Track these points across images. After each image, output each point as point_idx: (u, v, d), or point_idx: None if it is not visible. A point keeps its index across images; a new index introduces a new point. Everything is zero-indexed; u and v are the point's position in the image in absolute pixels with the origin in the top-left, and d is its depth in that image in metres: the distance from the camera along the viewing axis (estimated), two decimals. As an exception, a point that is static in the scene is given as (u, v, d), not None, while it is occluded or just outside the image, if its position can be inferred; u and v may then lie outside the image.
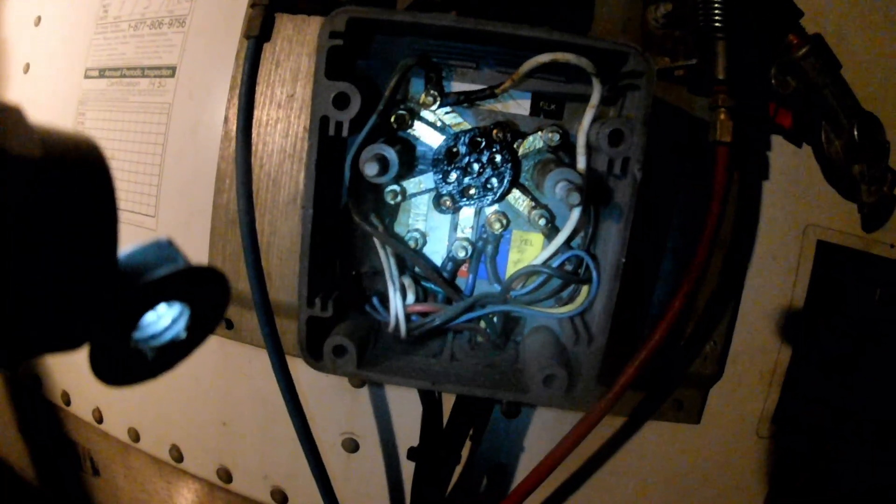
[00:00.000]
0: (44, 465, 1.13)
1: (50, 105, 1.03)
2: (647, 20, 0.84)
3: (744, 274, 0.85)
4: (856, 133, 0.81)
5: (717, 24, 0.76)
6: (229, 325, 0.88)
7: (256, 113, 0.84)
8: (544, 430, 0.85)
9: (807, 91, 0.81)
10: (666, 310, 0.75)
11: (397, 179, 0.73)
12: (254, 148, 0.84)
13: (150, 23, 0.94)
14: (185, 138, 0.90)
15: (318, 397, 0.86)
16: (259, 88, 0.84)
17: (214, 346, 0.90)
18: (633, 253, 0.67)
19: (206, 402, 0.92)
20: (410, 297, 0.71)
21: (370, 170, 0.65)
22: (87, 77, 0.99)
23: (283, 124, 0.84)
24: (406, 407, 0.85)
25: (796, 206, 0.86)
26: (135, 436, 0.98)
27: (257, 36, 0.78)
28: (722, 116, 0.77)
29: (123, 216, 0.91)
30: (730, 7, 0.76)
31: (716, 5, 0.76)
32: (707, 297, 0.84)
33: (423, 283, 0.74)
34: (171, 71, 0.92)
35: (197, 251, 0.88)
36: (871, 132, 0.82)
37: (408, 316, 0.71)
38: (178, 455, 0.96)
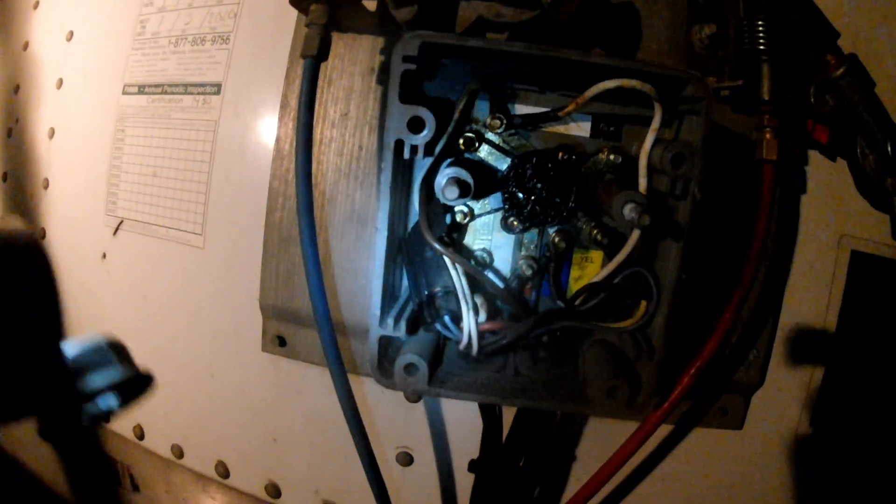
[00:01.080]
0: (79, 481, 1.13)
1: (86, 121, 1.03)
2: (692, 40, 0.87)
3: (784, 284, 0.89)
4: (889, 148, 0.85)
5: (761, 47, 0.80)
6: (282, 343, 0.90)
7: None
8: (596, 438, 0.88)
9: (843, 108, 0.85)
10: (718, 322, 0.78)
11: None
12: (308, 167, 0.86)
13: (192, 39, 0.95)
14: (233, 156, 0.91)
15: (373, 412, 0.88)
16: (311, 108, 0.86)
17: (266, 364, 0.91)
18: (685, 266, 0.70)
19: (256, 419, 0.94)
20: (482, 316, 0.74)
21: (451, 193, 0.67)
22: (125, 93, 0.99)
23: (338, 143, 0.85)
24: (461, 421, 0.87)
25: (832, 218, 0.90)
26: (178, 452, 0.99)
27: (315, 56, 0.80)
28: (768, 136, 0.81)
29: (169, 233, 0.92)
30: (773, 29, 0.80)
31: (760, 28, 0.80)
32: (750, 307, 0.88)
33: (494, 301, 0.77)
34: (217, 88, 0.93)
35: (246, 269, 0.89)
36: (903, 148, 0.86)
37: (481, 334, 0.73)
38: (224, 471, 0.97)
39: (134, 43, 0.99)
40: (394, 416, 0.89)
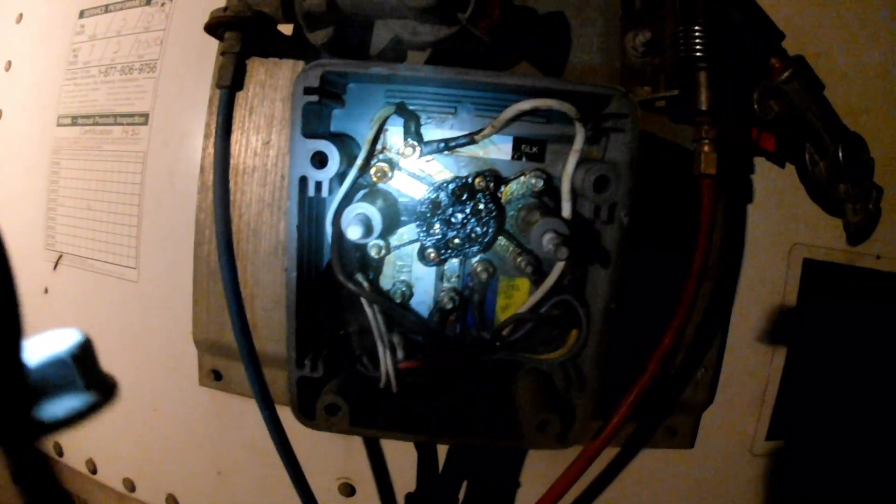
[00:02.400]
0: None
1: (24, 154, 0.98)
2: (626, 48, 0.80)
3: (731, 299, 0.82)
4: (840, 154, 0.78)
5: (698, 54, 0.73)
6: (218, 377, 0.85)
7: (233, 161, 0.80)
8: (540, 463, 0.83)
9: (790, 114, 0.78)
10: (657, 346, 0.72)
11: (382, 233, 0.69)
12: (232, 198, 0.80)
13: (121, 68, 0.90)
14: (163, 188, 0.86)
15: (312, 442, 0.83)
16: (234, 136, 0.80)
17: (205, 398, 0.86)
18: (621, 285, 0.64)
19: (200, 452, 0.89)
20: (400, 354, 0.68)
21: (354, 234, 0.61)
22: (59, 125, 0.94)
23: (260, 173, 0.80)
24: (400, 449, 0.82)
25: (781, 227, 0.84)
26: (130, 486, 0.94)
27: (229, 86, 0.74)
28: (706, 148, 0.74)
29: (106, 267, 0.87)
30: (711, 35, 0.73)
31: (696, 34, 0.73)
32: (696, 325, 0.81)
33: (412, 335, 0.71)
34: (144, 118, 0.87)
35: (180, 303, 0.84)
36: (855, 152, 0.79)
37: (399, 371, 0.68)
38: None
39: (66, 73, 0.94)
40: (333, 446, 0.84)
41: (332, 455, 0.84)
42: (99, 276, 0.90)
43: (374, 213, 0.63)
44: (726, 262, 0.81)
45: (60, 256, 0.93)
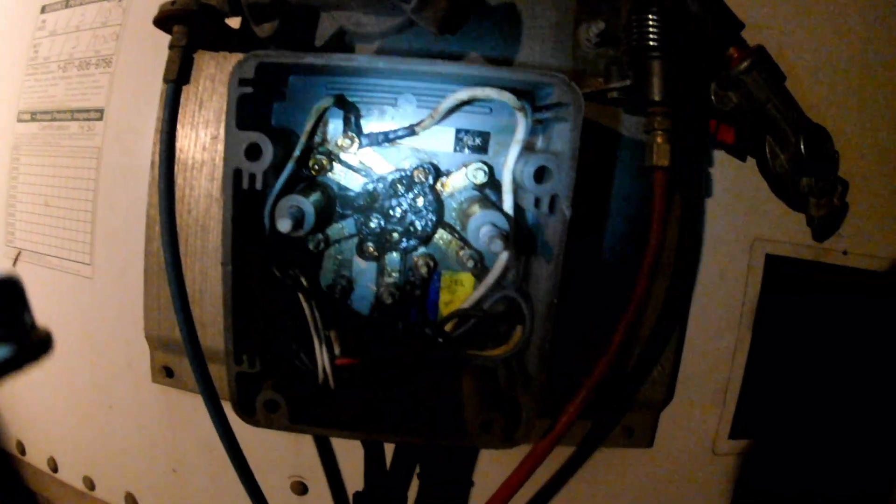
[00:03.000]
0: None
1: (-15, 151, 0.96)
2: (579, 40, 0.77)
3: (689, 295, 0.79)
4: (802, 147, 0.74)
5: (651, 43, 0.70)
6: (170, 374, 0.82)
7: (182, 156, 0.78)
8: (494, 462, 0.80)
9: (749, 106, 0.75)
10: (609, 344, 0.69)
11: (320, 227, 0.67)
12: (181, 193, 0.78)
13: (79, 63, 0.88)
14: (116, 184, 0.84)
15: (263, 440, 0.81)
16: (183, 131, 0.78)
17: (158, 395, 0.84)
18: (571, 277, 0.61)
19: (155, 450, 0.87)
20: (337, 349, 0.65)
21: (283, 226, 0.59)
22: (19, 121, 0.92)
23: (209, 167, 0.77)
24: (351, 446, 0.79)
25: (742, 222, 0.80)
26: (90, 484, 0.92)
27: (175, 80, 0.72)
28: (659, 140, 0.71)
29: (62, 264, 0.85)
30: (666, 24, 0.69)
31: (650, 23, 0.69)
32: (652, 322, 0.78)
33: (354, 332, 0.68)
34: (99, 114, 0.85)
35: (133, 299, 0.81)
36: (818, 145, 0.75)
37: (336, 367, 0.65)
38: (133, 503, 0.90)
39: (27, 68, 0.92)
40: (284, 444, 0.81)
41: (283, 453, 0.81)
42: (56, 272, 0.88)
43: (305, 204, 0.60)
44: (684, 258, 0.78)
45: (19, 253, 0.91)
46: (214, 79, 0.78)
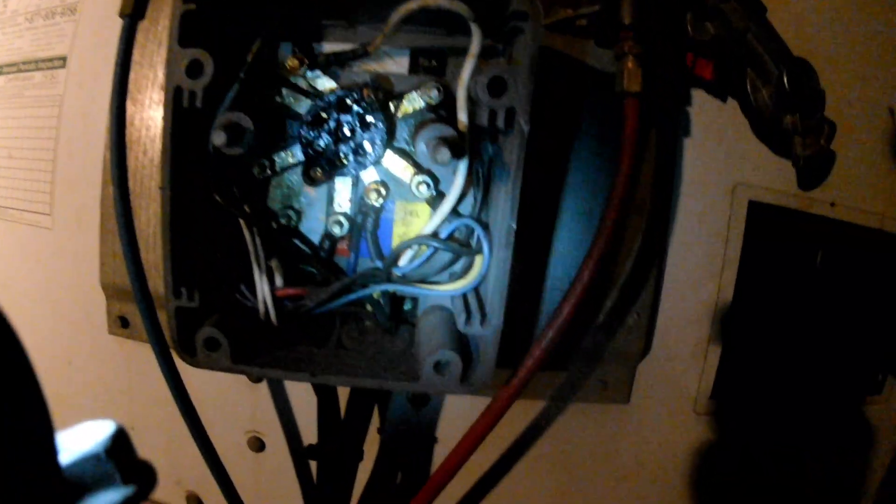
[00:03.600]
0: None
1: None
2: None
3: (666, 240, 0.71)
4: (785, 80, 0.66)
5: (621, -34, 0.62)
6: (125, 324, 0.75)
7: (139, 96, 0.71)
8: (458, 417, 0.71)
9: (728, 37, 0.67)
10: (574, 282, 0.61)
11: (266, 153, 0.59)
12: (137, 134, 0.71)
13: (45, 13, 0.82)
14: (76, 131, 0.77)
15: (218, 394, 0.73)
16: (142, 71, 0.72)
17: (115, 347, 0.77)
18: (537, 221, 0.54)
19: (112, 406, 0.79)
20: (279, 281, 0.57)
21: (218, 139, 0.52)
22: (-14, 75, 0.86)
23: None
24: (308, 400, 0.71)
25: (723, 165, 0.72)
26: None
27: (130, 14, 0.66)
28: (630, 65, 0.64)
29: (22, 216, 0.78)
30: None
31: (619, -55, 0.62)
32: (627, 268, 0.69)
33: (301, 265, 0.60)
34: (63, 61, 0.79)
35: (90, 248, 0.74)
36: (802, 79, 0.67)
37: (279, 301, 0.57)
38: (93, 462, 0.82)
39: (-5, 23, 0.86)
40: (241, 398, 0.74)
41: (239, 407, 0.74)
42: (15, 225, 0.81)
43: (243, 119, 0.53)
44: (659, 199, 0.70)
45: (-19, 208, 0.84)
46: (173, 17, 0.71)
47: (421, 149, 0.53)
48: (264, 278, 0.56)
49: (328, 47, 0.60)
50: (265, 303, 0.56)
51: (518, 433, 0.72)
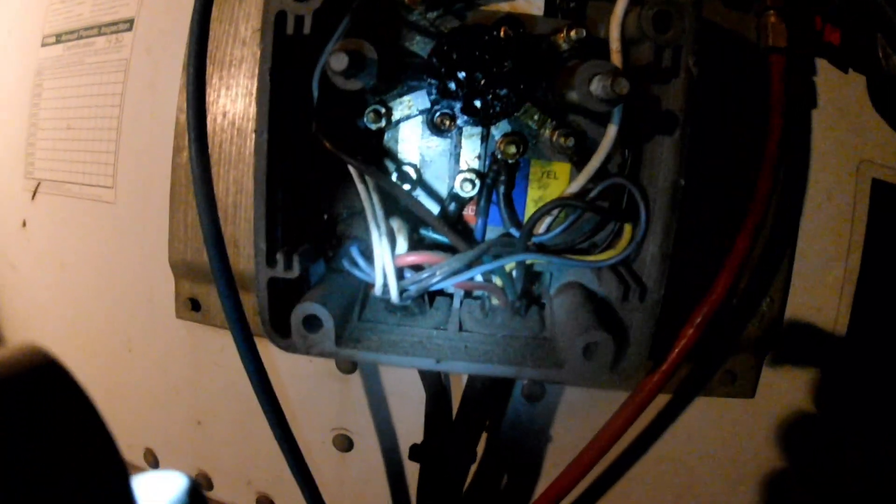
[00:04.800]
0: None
1: (8, 80, 0.74)
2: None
3: (798, 216, 0.56)
4: (919, 44, 0.53)
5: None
6: (196, 307, 0.59)
7: (217, 54, 0.57)
8: (574, 414, 0.56)
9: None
10: (728, 254, 0.47)
11: (380, 96, 0.44)
12: (216, 94, 0.56)
13: (108, -23, 0.66)
14: (143, 96, 0.62)
15: (302, 386, 0.57)
16: (221, 27, 0.57)
17: (183, 333, 0.61)
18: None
19: (178, 398, 0.63)
20: (402, 246, 0.42)
21: (338, 63, 0.36)
22: (44, 45, 0.71)
23: (249, 64, 0.56)
24: (408, 394, 0.56)
25: (848, 139, 0.58)
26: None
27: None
28: (772, 19, 0.50)
29: (83, 190, 0.63)
30: None
31: None
32: (760, 246, 0.55)
33: (421, 231, 0.45)
34: (129, 24, 0.64)
35: (157, 222, 0.59)
36: (940, 45, 0.54)
37: (399, 271, 0.42)
38: (153, 459, 0.66)
39: (53, -9, 0.71)
40: (327, 391, 0.58)
41: (326, 401, 0.58)
42: (76, 200, 0.65)
43: (367, 47, 0.38)
44: (792, 174, 0.55)
45: (38, 184, 0.68)
46: (257, -31, 0.56)
47: (580, 85, 0.38)
48: (384, 241, 0.41)
49: (451, -17, 0.46)
50: (384, 273, 0.41)
51: (639, 431, 0.57)
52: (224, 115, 0.56)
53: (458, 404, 0.50)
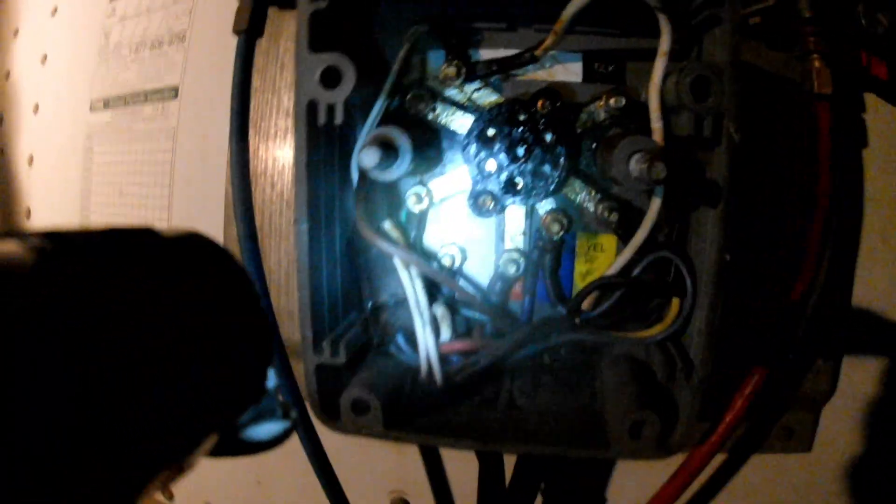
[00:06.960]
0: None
1: (59, 145, 0.77)
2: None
3: (854, 262, 0.54)
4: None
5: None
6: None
7: (262, 124, 0.57)
8: (630, 476, 0.54)
9: (904, 30, 0.50)
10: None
11: (421, 178, 0.44)
12: (262, 165, 0.57)
13: (151, 44, 0.68)
14: (193, 164, 0.63)
15: (359, 449, 0.57)
16: (264, 97, 0.57)
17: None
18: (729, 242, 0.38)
19: (240, 459, 0.64)
20: (446, 333, 0.42)
21: (368, 159, 0.36)
22: (92, 110, 0.72)
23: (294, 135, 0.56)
24: (461, 460, 0.55)
25: (899, 178, 0.55)
26: (169, 494, 0.70)
27: (247, 30, 0.51)
28: (817, 64, 0.48)
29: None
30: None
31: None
32: (813, 297, 0.52)
33: (465, 311, 0.45)
34: (174, 92, 0.65)
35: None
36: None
37: (444, 357, 0.41)
38: (213, 514, 0.67)
39: (99, 57, 0.73)
40: (384, 455, 0.58)
41: (383, 464, 0.58)
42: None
43: (397, 135, 0.37)
44: (843, 219, 0.53)
45: (94, 247, 0.70)
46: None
47: (618, 165, 0.37)
48: (428, 330, 0.41)
49: (485, 54, 0.45)
50: (429, 360, 0.41)
51: (693, 492, 0.55)
52: (272, 186, 0.56)
53: (512, 473, 0.50)
